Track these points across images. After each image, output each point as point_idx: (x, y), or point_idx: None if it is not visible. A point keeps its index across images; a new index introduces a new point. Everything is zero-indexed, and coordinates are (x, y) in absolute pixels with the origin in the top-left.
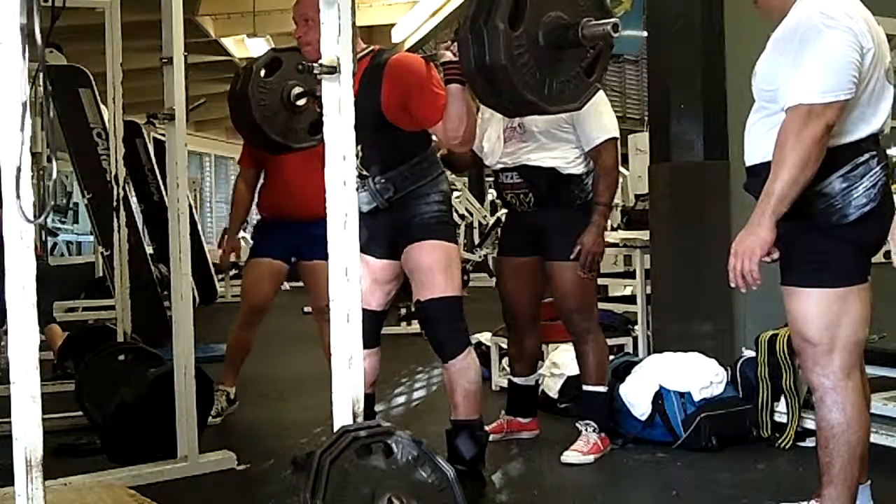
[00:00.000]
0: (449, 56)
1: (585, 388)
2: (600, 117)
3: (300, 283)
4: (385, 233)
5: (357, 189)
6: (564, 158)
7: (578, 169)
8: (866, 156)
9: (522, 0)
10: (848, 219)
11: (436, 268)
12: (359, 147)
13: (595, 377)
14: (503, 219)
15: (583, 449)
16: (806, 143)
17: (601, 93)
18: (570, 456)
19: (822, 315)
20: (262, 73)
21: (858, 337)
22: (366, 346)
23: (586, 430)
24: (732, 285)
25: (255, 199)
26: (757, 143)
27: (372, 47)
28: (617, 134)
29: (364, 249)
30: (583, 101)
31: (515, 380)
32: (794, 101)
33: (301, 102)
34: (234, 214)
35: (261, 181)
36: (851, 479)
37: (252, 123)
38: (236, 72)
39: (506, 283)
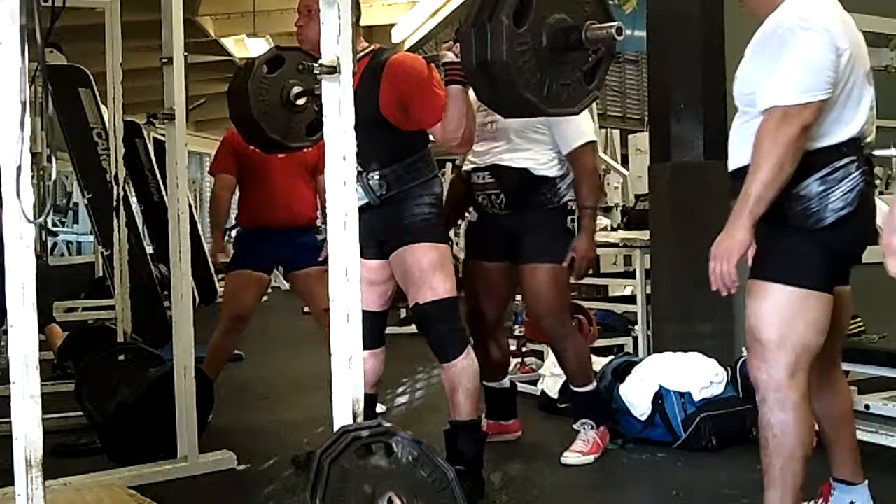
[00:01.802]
0: (450, 57)
1: (574, 389)
2: (578, 121)
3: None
4: (374, 232)
5: None
6: (537, 160)
7: (552, 171)
8: (846, 160)
9: (528, 0)
10: (824, 222)
11: (430, 270)
12: (357, 143)
13: (581, 378)
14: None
15: (582, 449)
16: (782, 145)
17: None
18: (570, 457)
19: (777, 312)
20: (264, 69)
21: (809, 341)
22: (368, 347)
23: (584, 429)
24: (714, 289)
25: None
26: (738, 148)
27: (372, 46)
28: (595, 137)
29: None
30: (581, 107)
31: (488, 384)
32: (770, 103)
33: (301, 102)
34: (217, 220)
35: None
36: (793, 482)
37: (250, 119)
38: (238, 67)
39: (474, 287)
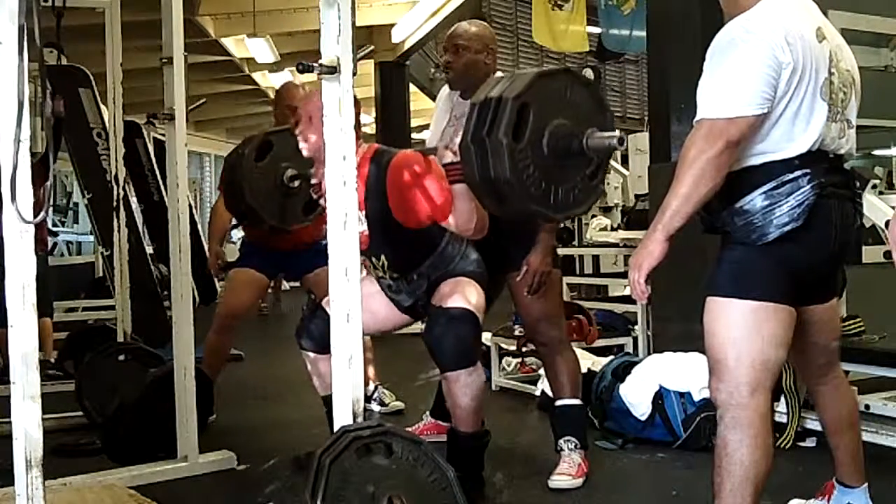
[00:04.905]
0: (449, 157)
1: (560, 402)
2: None
3: (298, 284)
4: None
5: (392, 289)
6: None
7: None
8: (797, 173)
9: (525, 111)
10: (767, 238)
11: (461, 286)
12: (383, 255)
13: (570, 390)
14: None
15: (571, 472)
16: (702, 160)
17: None
18: (559, 480)
19: (731, 328)
20: (254, 156)
21: (767, 357)
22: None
23: (568, 447)
24: (633, 297)
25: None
26: None
27: (368, 146)
28: None
29: (391, 297)
30: (588, 205)
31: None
32: (698, 116)
33: (295, 184)
34: (215, 230)
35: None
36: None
37: (247, 209)
38: (227, 157)
39: None
